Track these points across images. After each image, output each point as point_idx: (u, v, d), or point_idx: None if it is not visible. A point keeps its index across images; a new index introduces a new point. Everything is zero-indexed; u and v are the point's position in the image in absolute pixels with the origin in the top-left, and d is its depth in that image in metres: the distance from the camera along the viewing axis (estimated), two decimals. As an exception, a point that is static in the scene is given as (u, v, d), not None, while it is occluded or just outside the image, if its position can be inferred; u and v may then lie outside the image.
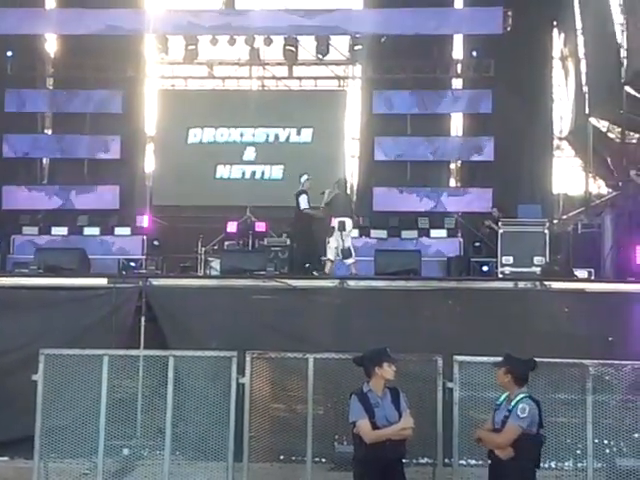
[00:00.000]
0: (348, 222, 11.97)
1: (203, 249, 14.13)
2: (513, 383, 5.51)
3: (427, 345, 8.24)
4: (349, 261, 11.84)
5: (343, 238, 11.84)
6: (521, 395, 5.45)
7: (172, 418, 7.41)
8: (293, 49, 16.50)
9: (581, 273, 10.94)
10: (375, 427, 5.31)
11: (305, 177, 12.51)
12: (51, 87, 18.25)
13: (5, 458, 8.97)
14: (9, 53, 16.83)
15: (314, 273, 11.54)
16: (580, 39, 15.51)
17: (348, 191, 12.81)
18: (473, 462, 7.38)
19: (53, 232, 15.60)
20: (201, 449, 7.40)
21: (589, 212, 14.93)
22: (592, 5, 14.99)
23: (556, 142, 17.33)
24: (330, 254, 11.97)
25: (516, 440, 5.34)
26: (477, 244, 14.43)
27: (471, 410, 7.34)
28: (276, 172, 17.52)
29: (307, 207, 12.13)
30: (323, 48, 16.30)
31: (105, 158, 17.46)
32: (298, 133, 17.62)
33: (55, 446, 7.53)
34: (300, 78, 18.65)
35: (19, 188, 17.18)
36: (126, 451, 8.20)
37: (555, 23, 16.93)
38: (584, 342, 8.55)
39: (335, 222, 12.00)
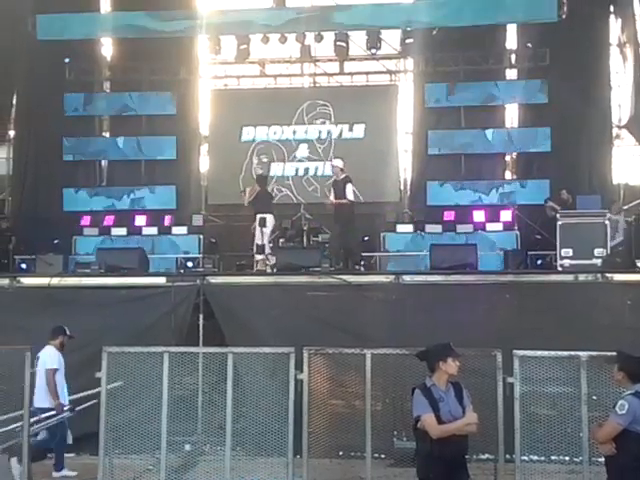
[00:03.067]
0: (269, 218, 12.52)
1: (258, 246, 14.23)
2: (627, 380, 5.51)
3: (485, 339, 8.17)
4: (259, 257, 12.23)
5: (262, 234, 12.36)
6: (628, 392, 5.40)
7: (232, 414, 7.49)
8: (344, 45, 16.44)
9: (644, 264, 10.63)
10: (440, 422, 5.26)
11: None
12: (108, 90, 18.63)
13: (72, 454, 9.22)
14: (67, 60, 17.24)
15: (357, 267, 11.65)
16: (639, 24, 15.09)
17: (269, 187, 13.15)
18: (535, 458, 7.30)
19: (113, 232, 15.90)
20: (261, 445, 7.47)
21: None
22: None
23: (615, 131, 16.87)
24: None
25: (616, 437, 5.33)
26: (538, 237, 14.18)
27: (532, 405, 7.25)
28: (329, 169, 17.52)
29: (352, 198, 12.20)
30: (374, 43, 16.20)
31: (161, 159, 17.74)
32: (350, 129, 17.60)
33: (119, 442, 7.69)
34: (352, 74, 18.61)
35: (79, 190, 17.58)
36: (188, 447, 8.36)
37: (612, 9, 16.51)
38: (648, 335, 8.36)
39: (257, 218, 12.48)
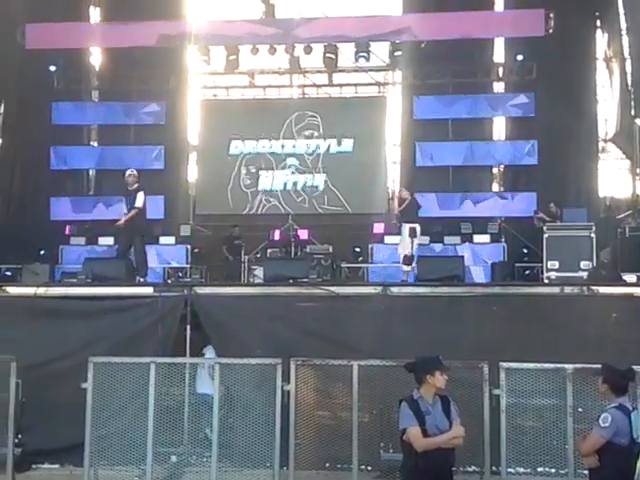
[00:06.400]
0: (418, 229, 12.21)
1: (246, 257, 14.22)
2: (611, 392, 5.53)
3: (472, 351, 8.16)
4: (407, 268, 11.88)
5: (412, 245, 11.94)
6: (612, 405, 5.42)
7: (218, 425, 7.45)
8: (333, 56, 16.53)
9: (629, 277, 10.70)
10: (426, 435, 5.24)
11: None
12: (96, 100, 18.60)
13: (56, 465, 9.13)
14: (52, 68, 17.20)
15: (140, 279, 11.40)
16: (625, 39, 15.24)
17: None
18: (521, 470, 7.30)
19: (100, 242, 15.83)
20: (248, 456, 7.42)
21: (637, 215, 14.63)
22: (637, 4, 14.71)
23: (601, 144, 17.03)
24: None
25: (600, 449, 5.36)
26: (524, 250, 14.24)
27: (518, 417, 7.26)
28: (318, 180, 17.58)
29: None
30: (363, 55, 16.29)
31: (149, 168, 17.68)
32: (339, 143, 17.64)
33: (104, 453, 7.64)
34: (340, 85, 18.72)
35: (66, 199, 17.51)
36: (174, 458, 8.29)
37: (598, 24, 16.68)
38: (633, 348, 8.38)
39: (406, 228, 12.16)
